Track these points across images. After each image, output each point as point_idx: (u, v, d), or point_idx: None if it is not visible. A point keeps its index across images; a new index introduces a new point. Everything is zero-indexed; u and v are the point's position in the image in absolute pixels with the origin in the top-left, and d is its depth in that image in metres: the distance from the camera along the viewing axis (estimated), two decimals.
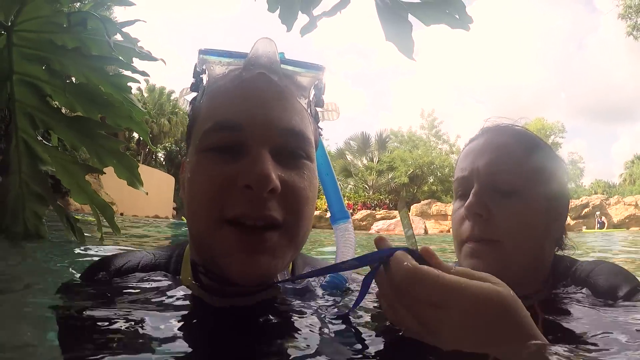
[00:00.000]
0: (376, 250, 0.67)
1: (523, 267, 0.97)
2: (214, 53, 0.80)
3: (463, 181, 1.03)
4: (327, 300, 0.81)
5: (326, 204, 0.99)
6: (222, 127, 0.72)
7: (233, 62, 0.79)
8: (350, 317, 0.74)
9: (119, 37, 2.12)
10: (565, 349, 0.59)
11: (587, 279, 0.96)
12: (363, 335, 0.69)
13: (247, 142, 0.71)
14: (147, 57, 2.19)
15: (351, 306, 0.78)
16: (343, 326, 0.71)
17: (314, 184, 0.77)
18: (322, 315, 0.74)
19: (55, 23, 1.89)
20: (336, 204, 0.97)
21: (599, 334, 0.72)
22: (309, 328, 0.69)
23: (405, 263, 0.58)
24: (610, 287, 0.92)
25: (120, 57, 2.07)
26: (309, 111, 0.82)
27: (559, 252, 1.07)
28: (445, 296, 0.55)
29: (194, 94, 0.85)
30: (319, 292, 0.84)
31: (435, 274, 0.56)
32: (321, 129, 0.91)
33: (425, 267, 0.57)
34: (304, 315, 0.74)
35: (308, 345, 0.64)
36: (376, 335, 0.69)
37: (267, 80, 0.76)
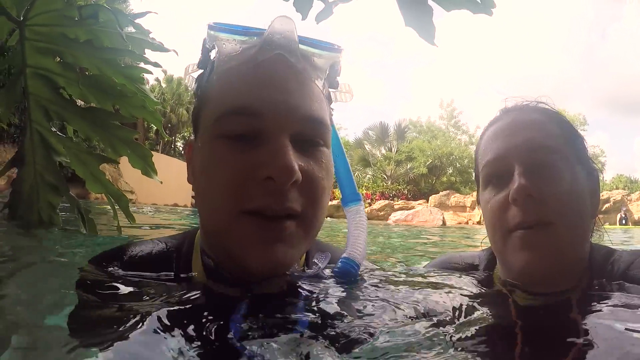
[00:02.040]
0: None
1: (576, 252, 0.92)
2: (225, 30, 0.75)
3: (497, 165, 0.95)
4: (337, 288, 0.80)
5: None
6: (240, 113, 0.69)
7: (247, 41, 0.75)
8: (361, 303, 0.74)
9: (131, 29, 2.14)
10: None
11: (627, 271, 0.89)
12: (373, 323, 0.68)
13: (266, 130, 0.68)
14: (159, 48, 2.20)
15: (361, 293, 0.78)
16: (353, 314, 0.71)
17: (330, 172, 0.76)
18: (331, 303, 0.74)
19: (67, 16, 1.90)
20: (348, 185, 0.95)
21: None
22: (316, 317, 0.69)
23: None
24: None
25: (133, 49, 2.09)
26: (324, 93, 0.79)
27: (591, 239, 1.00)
28: None
29: (201, 71, 0.82)
30: (329, 280, 0.82)
31: None
32: (331, 110, 0.88)
33: None
34: (313, 304, 0.73)
35: (316, 334, 0.64)
36: (387, 321, 0.68)
37: (285, 62, 0.73)
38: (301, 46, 0.74)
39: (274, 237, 0.68)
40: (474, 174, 1.10)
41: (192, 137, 0.82)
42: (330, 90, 0.84)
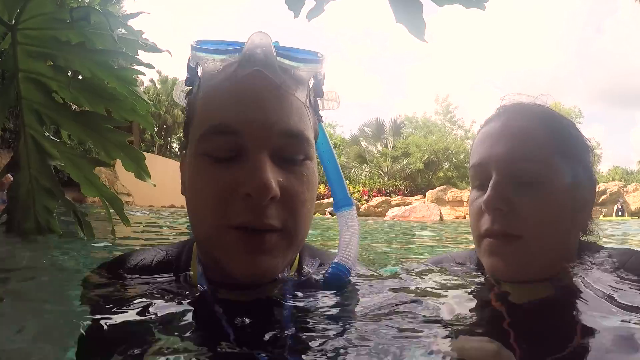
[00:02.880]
0: None
1: (546, 263, 0.91)
2: (206, 49, 0.77)
3: (480, 170, 0.95)
4: (329, 293, 0.82)
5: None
6: (219, 132, 0.71)
7: (226, 59, 0.76)
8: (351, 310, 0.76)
9: (123, 30, 2.13)
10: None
11: (618, 272, 0.88)
12: (360, 329, 0.69)
13: (245, 147, 0.70)
14: (153, 48, 2.19)
15: (354, 300, 0.80)
16: (343, 318, 0.73)
17: (312, 183, 0.77)
18: (323, 307, 0.77)
19: (59, 19, 1.90)
20: (339, 191, 0.96)
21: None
22: (310, 320, 0.72)
23: None
24: None
25: (125, 50, 2.08)
26: (308, 102, 0.80)
27: (583, 238, 0.99)
28: None
29: (190, 88, 0.83)
30: (321, 285, 0.84)
31: None
32: (321, 116, 0.89)
33: None
34: (305, 308, 0.76)
35: (309, 337, 0.66)
36: (375, 328, 0.69)
37: (263, 77, 0.73)
38: (280, 59, 0.76)
39: (257, 248, 0.71)
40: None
41: (184, 153, 0.83)
42: (316, 98, 0.85)
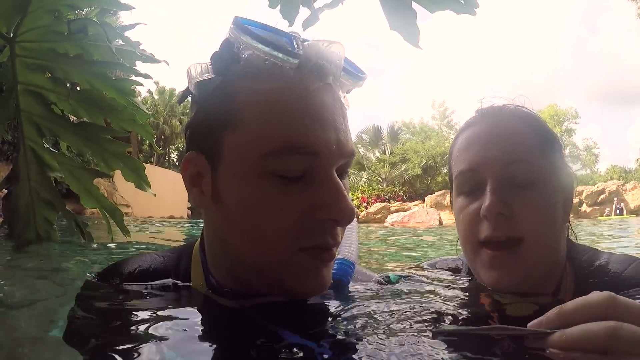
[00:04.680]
0: None
1: (546, 267, 0.91)
2: (261, 39, 0.67)
3: (471, 175, 0.93)
4: (334, 294, 0.83)
5: None
6: (297, 152, 0.66)
7: (286, 61, 0.67)
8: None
9: (121, 41, 2.15)
10: None
11: (616, 280, 0.86)
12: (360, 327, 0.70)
13: (317, 168, 0.68)
14: (150, 59, 2.21)
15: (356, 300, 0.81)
16: (353, 320, 0.73)
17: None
18: (334, 309, 0.77)
19: (56, 31, 1.92)
20: None
21: None
22: (322, 323, 0.73)
23: None
24: None
25: (123, 61, 2.10)
26: None
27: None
28: None
29: (210, 77, 0.71)
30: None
31: None
32: None
33: None
34: (317, 311, 0.77)
35: (324, 342, 0.65)
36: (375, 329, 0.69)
37: (332, 93, 0.71)
38: (342, 73, 0.73)
39: (324, 264, 0.72)
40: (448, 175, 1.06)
41: (190, 152, 0.75)
42: None
